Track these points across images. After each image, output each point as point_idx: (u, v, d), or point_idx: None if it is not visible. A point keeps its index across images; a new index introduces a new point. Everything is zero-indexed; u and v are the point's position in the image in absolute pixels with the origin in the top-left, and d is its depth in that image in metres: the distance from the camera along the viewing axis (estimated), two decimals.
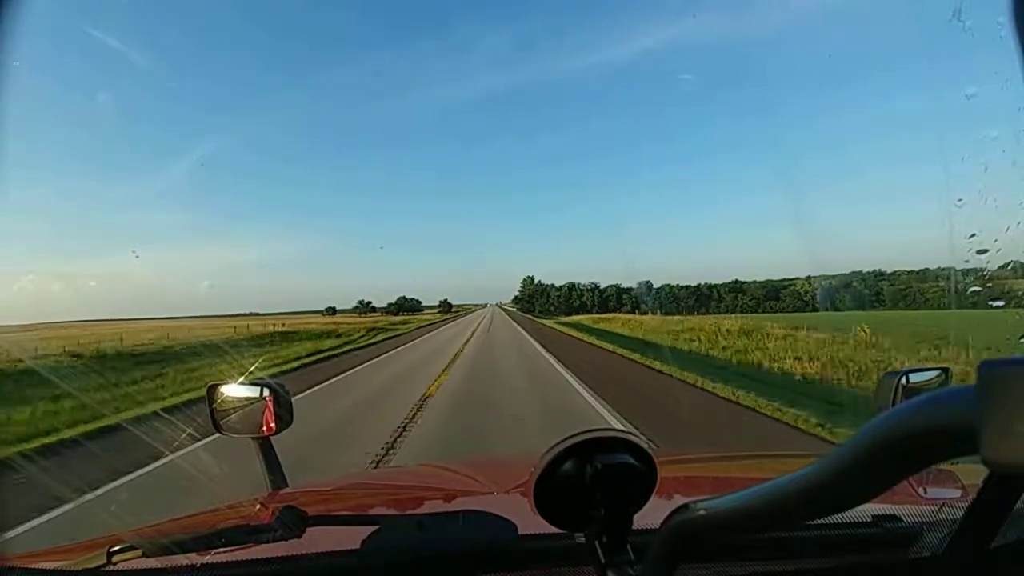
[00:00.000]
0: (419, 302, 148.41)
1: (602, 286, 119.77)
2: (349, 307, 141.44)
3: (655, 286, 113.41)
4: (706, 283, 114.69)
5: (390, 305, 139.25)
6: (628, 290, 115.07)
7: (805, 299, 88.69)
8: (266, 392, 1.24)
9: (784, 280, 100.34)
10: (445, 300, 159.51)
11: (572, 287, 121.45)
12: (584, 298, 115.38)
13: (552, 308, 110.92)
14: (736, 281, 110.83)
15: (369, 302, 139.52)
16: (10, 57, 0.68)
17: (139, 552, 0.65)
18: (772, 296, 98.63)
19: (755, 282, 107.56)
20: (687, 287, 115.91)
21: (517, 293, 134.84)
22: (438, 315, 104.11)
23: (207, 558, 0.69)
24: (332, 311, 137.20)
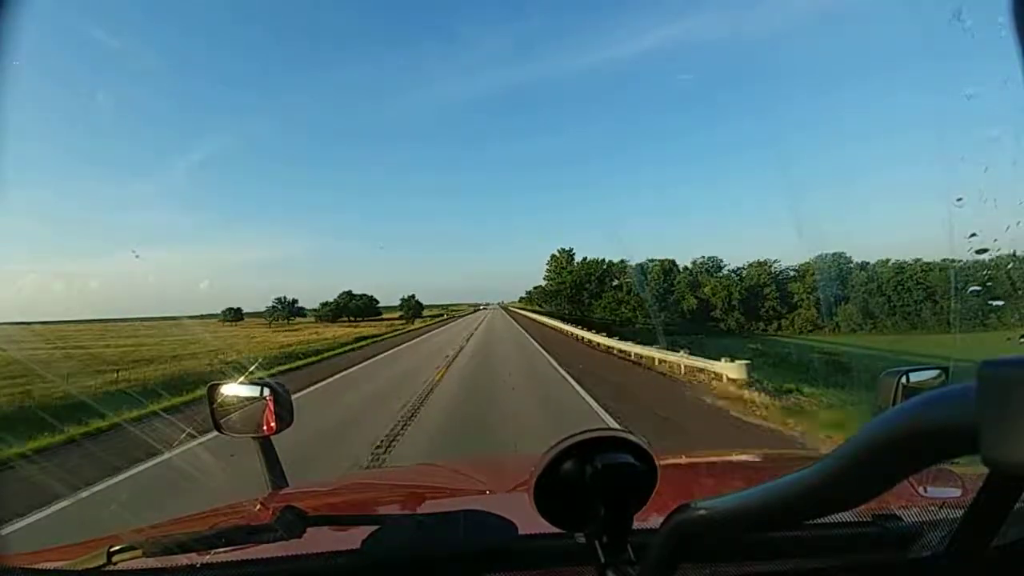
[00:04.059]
0: (376, 302, 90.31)
1: (729, 265, 56.23)
2: (291, 306, 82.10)
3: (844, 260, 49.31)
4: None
5: (324, 306, 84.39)
6: (799, 277, 50.62)
7: None
8: (266, 392, 1.24)
9: None
10: (411, 298, 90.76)
11: (671, 269, 57.54)
12: (714, 292, 53.49)
13: (642, 318, 50.37)
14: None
15: (293, 301, 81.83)
16: (10, 57, 0.68)
17: (139, 552, 0.65)
18: None
19: None
20: (929, 267, 44.72)
21: (543, 282, 71.42)
22: (389, 327, 51.61)
23: (207, 558, 0.69)
24: (236, 315, 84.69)
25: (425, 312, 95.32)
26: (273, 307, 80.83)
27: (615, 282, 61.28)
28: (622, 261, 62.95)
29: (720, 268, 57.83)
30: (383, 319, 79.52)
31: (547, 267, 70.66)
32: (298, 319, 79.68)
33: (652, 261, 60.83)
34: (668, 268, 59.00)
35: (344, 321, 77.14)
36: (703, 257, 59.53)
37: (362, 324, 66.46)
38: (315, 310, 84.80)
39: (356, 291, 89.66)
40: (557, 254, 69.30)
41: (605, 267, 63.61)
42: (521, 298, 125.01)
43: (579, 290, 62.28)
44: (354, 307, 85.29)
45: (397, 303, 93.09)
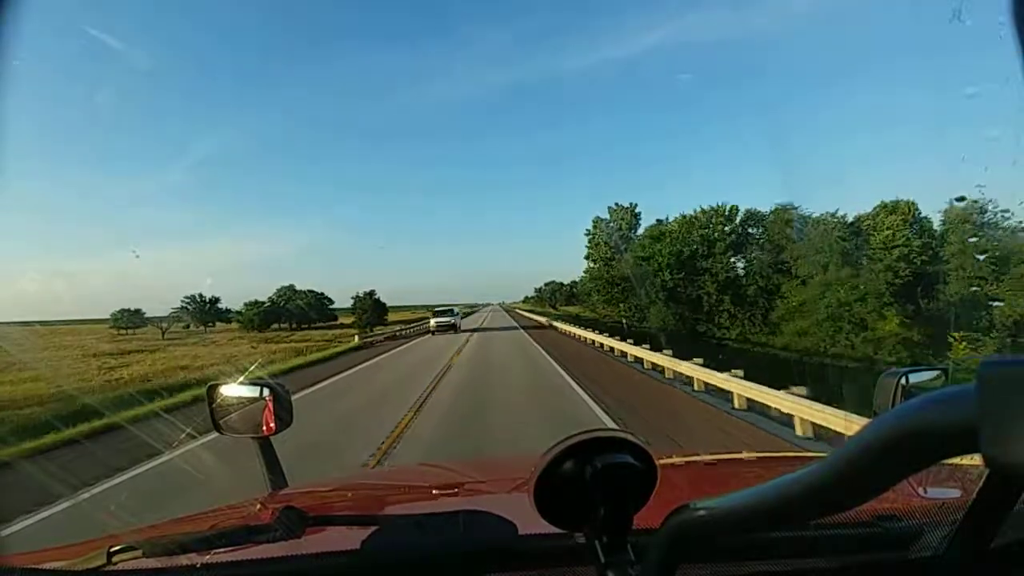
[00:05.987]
0: (329, 301, 59.26)
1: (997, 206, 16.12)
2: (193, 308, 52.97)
3: None
4: None
5: (251, 307, 52.06)
6: None
7: None
8: (266, 392, 1.24)
9: None
10: (368, 295, 45.11)
11: (912, 222, 23.33)
12: None
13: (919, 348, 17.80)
14: None
15: (212, 300, 55.10)
16: (11, 54, 0.68)
17: (139, 552, 0.65)
18: None
19: None
20: None
21: (592, 261, 36.76)
22: (331, 340, 27.66)
23: (207, 558, 0.69)
24: (132, 319, 51.13)
25: (407, 315, 60.80)
26: (182, 308, 54.21)
27: (781, 256, 27.17)
28: (783, 207, 28.28)
29: (990, 220, 20.93)
30: (338, 325, 54.11)
31: (589, 239, 38.02)
32: (221, 324, 55.74)
33: (847, 217, 27.23)
34: (909, 219, 25.50)
35: (283, 328, 52.68)
36: (959, 200, 20.71)
37: (296, 335, 41.48)
38: (239, 313, 54.61)
39: (348, 289, 60.74)
40: (609, 214, 37.35)
41: (739, 221, 29.24)
42: (526, 298, 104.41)
43: (691, 276, 27.65)
44: (295, 309, 55.94)
45: (413, 303, 65.35)
